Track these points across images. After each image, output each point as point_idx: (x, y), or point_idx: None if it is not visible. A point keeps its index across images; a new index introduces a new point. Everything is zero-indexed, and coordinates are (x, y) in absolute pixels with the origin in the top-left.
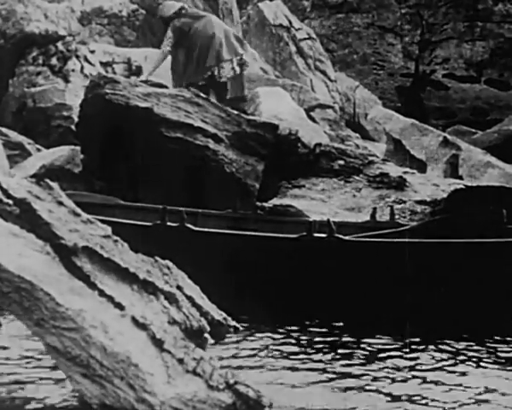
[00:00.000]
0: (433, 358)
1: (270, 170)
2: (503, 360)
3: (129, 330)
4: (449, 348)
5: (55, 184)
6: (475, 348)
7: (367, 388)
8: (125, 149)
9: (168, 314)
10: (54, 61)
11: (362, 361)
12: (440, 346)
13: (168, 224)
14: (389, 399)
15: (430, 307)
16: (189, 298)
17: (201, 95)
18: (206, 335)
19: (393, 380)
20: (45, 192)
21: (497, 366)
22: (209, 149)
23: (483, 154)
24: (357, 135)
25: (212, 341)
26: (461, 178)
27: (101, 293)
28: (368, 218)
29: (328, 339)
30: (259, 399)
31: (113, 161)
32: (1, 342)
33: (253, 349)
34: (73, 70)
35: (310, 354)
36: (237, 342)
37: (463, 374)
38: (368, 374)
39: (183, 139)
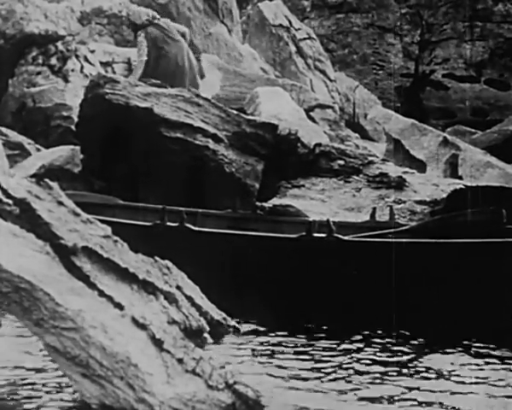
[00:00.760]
0: (433, 358)
1: (269, 170)
2: (502, 360)
3: (128, 330)
4: (449, 349)
5: (54, 184)
6: (475, 348)
7: (365, 387)
8: (124, 149)
9: (168, 314)
10: (53, 60)
11: (361, 361)
12: (440, 346)
13: (168, 224)
14: (387, 399)
15: (429, 307)
16: (189, 298)
17: (201, 95)
18: (206, 335)
19: (393, 380)
20: (45, 192)
21: (496, 366)
22: (209, 149)
23: (483, 154)
24: (357, 135)
25: (211, 341)
26: (460, 178)
27: (101, 293)
28: (367, 218)
29: (328, 339)
30: (259, 399)
31: (112, 161)
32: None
33: (252, 349)
34: (73, 70)
35: (309, 353)
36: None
37: (463, 374)
38: (367, 373)
39: (183, 139)
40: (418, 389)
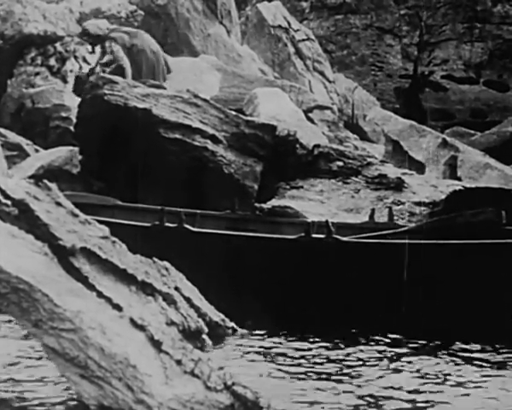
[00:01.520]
0: (433, 358)
1: (268, 171)
2: (501, 360)
3: (127, 332)
4: (448, 349)
5: (53, 185)
6: (475, 347)
7: (363, 388)
8: (123, 150)
9: (166, 315)
10: (52, 61)
11: (360, 361)
12: (440, 345)
13: (166, 225)
14: (384, 399)
15: (428, 307)
16: (187, 299)
17: (200, 96)
18: (204, 336)
19: (392, 380)
20: (43, 193)
21: (495, 366)
22: (207, 149)
23: (482, 155)
24: (356, 136)
25: (210, 342)
26: (459, 179)
27: (100, 294)
28: (366, 219)
29: (328, 339)
30: (257, 400)
31: (111, 162)
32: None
33: (251, 349)
34: (72, 71)
35: (308, 353)
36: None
37: (463, 374)
38: (365, 373)
39: (182, 140)
40: (418, 391)
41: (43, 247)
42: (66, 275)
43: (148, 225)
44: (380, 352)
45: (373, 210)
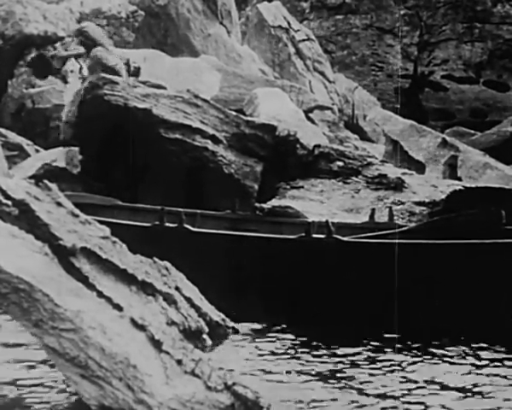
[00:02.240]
0: (433, 358)
1: (268, 171)
2: (502, 360)
3: (127, 331)
4: (449, 348)
5: (53, 185)
6: (475, 348)
7: (362, 387)
8: (123, 150)
9: (167, 315)
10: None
11: (360, 361)
12: (440, 345)
13: (167, 225)
14: (381, 398)
15: (429, 307)
16: (188, 299)
17: (200, 96)
18: (205, 336)
19: (391, 380)
20: (44, 193)
21: (495, 366)
22: (208, 150)
23: (482, 155)
24: (356, 136)
25: (210, 342)
26: (459, 179)
27: (100, 294)
28: (366, 219)
29: (327, 339)
30: (258, 400)
31: (111, 162)
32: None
33: (250, 349)
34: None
35: (308, 353)
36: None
37: (465, 374)
38: (364, 373)
39: (182, 140)
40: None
41: (43, 247)
42: (67, 275)
43: (149, 225)
44: (379, 352)
45: (373, 210)
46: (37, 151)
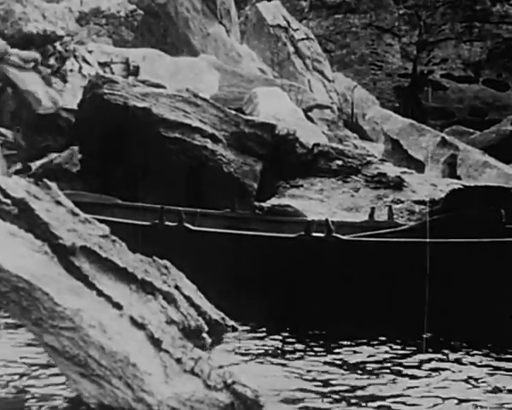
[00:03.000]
0: (433, 357)
1: (268, 170)
2: (502, 360)
3: (127, 330)
4: (449, 348)
5: (53, 184)
6: (474, 348)
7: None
8: (123, 149)
9: (166, 314)
10: (52, 61)
11: (359, 361)
12: (440, 346)
13: (166, 223)
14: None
15: (429, 306)
16: (187, 298)
17: (200, 95)
18: (204, 334)
19: (391, 380)
20: (43, 192)
21: (495, 366)
22: (207, 149)
23: (481, 154)
24: (355, 135)
25: (210, 340)
26: (459, 178)
27: (100, 293)
28: (366, 218)
29: (328, 338)
30: (257, 399)
31: (111, 161)
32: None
33: (250, 349)
34: (71, 70)
35: (307, 353)
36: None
37: (466, 373)
38: (365, 373)
39: (182, 139)
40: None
41: (42, 246)
42: (66, 274)
43: (148, 223)
44: (381, 350)
45: (373, 209)
46: None
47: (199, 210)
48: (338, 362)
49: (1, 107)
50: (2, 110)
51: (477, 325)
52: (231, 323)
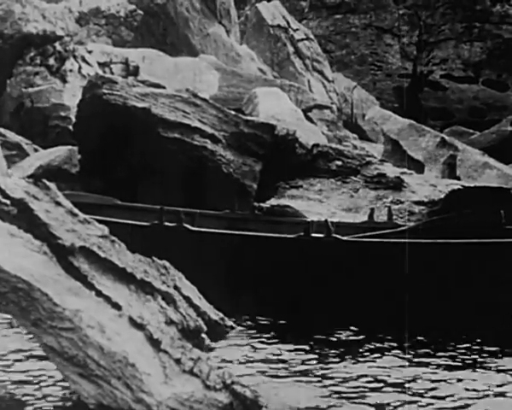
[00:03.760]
0: (433, 358)
1: (267, 170)
2: (502, 360)
3: (126, 331)
4: (449, 348)
5: (52, 185)
6: (475, 347)
7: (362, 388)
8: (122, 150)
9: (165, 314)
10: (51, 61)
11: (359, 360)
12: (440, 345)
13: (166, 224)
14: (382, 399)
15: (428, 306)
16: (187, 298)
17: (199, 95)
18: (204, 335)
19: (392, 379)
20: (42, 192)
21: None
22: (207, 149)
23: (481, 154)
24: (355, 135)
25: (209, 341)
26: (458, 178)
27: (99, 293)
28: (365, 218)
29: (327, 338)
30: (256, 399)
31: (110, 161)
32: None
33: (250, 349)
34: (71, 70)
35: (307, 352)
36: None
37: (463, 373)
38: (366, 375)
39: (181, 139)
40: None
41: (42, 246)
42: (66, 274)
43: (148, 224)
44: (380, 350)
45: (372, 209)
46: (35, 150)
47: (198, 211)
48: (338, 361)
49: (0, 107)
50: (1, 110)
51: (477, 324)
52: (230, 323)
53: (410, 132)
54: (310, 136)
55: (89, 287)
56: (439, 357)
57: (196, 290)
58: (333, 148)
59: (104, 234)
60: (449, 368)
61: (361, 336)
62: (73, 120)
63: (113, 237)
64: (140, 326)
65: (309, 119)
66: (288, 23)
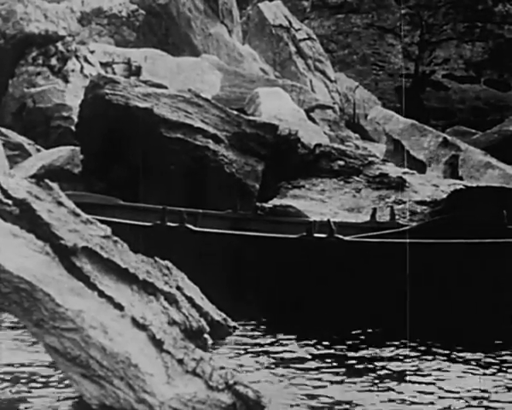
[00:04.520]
0: (433, 358)
1: (269, 170)
2: (503, 360)
3: (128, 331)
4: (449, 348)
5: (54, 185)
6: (475, 347)
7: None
8: (124, 150)
9: (168, 315)
10: (53, 61)
11: (360, 360)
12: (440, 345)
13: (168, 224)
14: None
15: (430, 306)
16: (189, 299)
17: (201, 95)
18: (206, 335)
19: (392, 379)
20: (45, 192)
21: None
22: (209, 149)
23: (483, 154)
24: (357, 135)
25: (211, 341)
26: (461, 178)
27: (101, 293)
28: (368, 218)
29: (328, 337)
30: (259, 399)
31: (112, 162)
32: None
33: (250, 349)
34: (73, 70)
35: (308, 352)
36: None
37: (463, 374)
38: (366, 374)
39: (183, 140)
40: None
41: (44, 246)
42: (68, 274)
43: (150, 224)
44: (381, 350)
45: (374, 209)
46: (38, 151)
47: (201, 211)
48: (340, 361)
49: (2, 107)
50: (3, 111)
51: (478, 324)
52: (233, 324)
53: (412, 132)
54: (312, 136)
55: (91, 287)
56: (440, 356)
57: (199, 291)
58: (335, 148)
59: (106, 234)
60: (449, 368)
61: (363, 336)
62: (75, 120)
63: (116, 238)
64: (142, 327)
65: (311, 119)
66: (289, 23)
